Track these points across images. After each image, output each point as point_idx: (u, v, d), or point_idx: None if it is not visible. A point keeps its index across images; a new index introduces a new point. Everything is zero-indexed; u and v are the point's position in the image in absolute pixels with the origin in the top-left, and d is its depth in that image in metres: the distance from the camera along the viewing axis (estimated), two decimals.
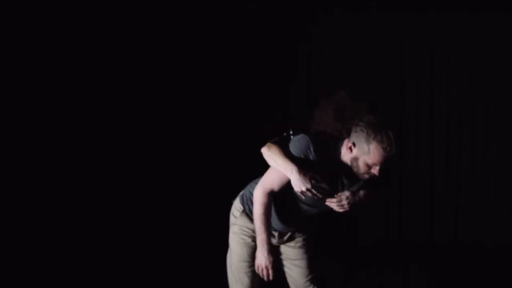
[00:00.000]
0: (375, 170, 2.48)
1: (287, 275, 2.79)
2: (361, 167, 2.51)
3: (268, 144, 2.59)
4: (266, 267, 2.55)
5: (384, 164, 2.45)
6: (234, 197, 2.72)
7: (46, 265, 3.55)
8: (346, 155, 2.52)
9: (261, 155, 2.68)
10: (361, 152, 2.48)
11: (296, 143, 2.56)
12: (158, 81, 4.01)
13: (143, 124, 3.98)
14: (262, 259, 2.55)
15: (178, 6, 3.99)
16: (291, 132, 2.67)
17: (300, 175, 2.47)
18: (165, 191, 3.99)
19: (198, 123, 4.09)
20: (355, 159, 2.51)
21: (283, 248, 2.73)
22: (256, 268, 2.58)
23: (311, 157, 2.53)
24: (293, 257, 2.75)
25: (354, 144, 2.47)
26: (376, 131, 2.43)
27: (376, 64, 4.28)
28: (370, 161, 2.46)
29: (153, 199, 3.96)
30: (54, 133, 3.73)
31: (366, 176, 2.52)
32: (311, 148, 2.52)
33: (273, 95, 4.20)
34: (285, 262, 2.79)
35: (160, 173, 4.00)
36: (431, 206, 4.34)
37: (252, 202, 2.62)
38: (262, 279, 2.62)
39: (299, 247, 2.73)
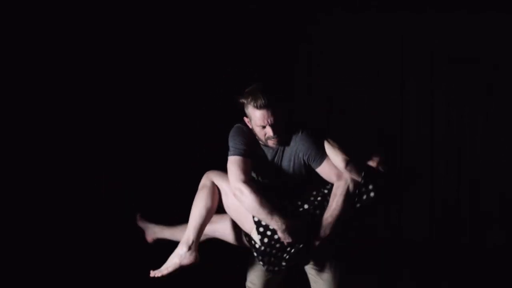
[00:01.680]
0: (268, 131, 2.58)
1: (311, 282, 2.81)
2: (259, 134, 2.63)
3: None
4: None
5: (269, 120, 2.55)
6: None
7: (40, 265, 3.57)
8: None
9: None
10: (250, 120, 2.62)
11: (232, 133, 2.72)
12: (156, 81, 4.02)
13: (142, 124, 3.99)
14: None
15: (177, 5, 3.99)
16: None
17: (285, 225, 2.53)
18: (166, 193, 4.00)
19: (196, 124, 4.10)
20: (253, 129, 2.64)
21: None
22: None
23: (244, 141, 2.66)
24: (317, 266, 2.77)
25: (247, 117, 2.64)
26: (244, 95, 2.62)
27: (376, 64, 4.28)
28: (257, 123, 2.58)
29: (153, 200, 3.97)
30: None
31: (270, 142, 2.64)
32: (239, 139, 2.68)
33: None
34: (309, 271, 2.80)
35: (159, 174, 4.01)
36: (431, 206, 4.34)
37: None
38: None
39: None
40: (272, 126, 2.57)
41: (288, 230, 2.50)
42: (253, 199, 2.54)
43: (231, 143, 2.68)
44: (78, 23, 3.77)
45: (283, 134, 2.64)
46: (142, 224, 3.25)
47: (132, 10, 3.91)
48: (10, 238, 3.53)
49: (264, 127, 2.59)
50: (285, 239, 2.52)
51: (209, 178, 2.79)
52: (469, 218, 4.32)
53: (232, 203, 2.68)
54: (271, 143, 2.64)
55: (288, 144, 2.67)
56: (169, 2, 3.98)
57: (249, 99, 2.58)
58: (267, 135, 2.61)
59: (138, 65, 3.97)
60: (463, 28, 4.21)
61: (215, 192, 2.73)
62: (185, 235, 2.70)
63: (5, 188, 3.54)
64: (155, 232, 3.15)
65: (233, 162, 2.62)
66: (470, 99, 4.27)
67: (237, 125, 2.75)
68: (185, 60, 4.08)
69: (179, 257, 2.65)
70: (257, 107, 2.55)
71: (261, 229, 2.58)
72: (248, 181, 2.58)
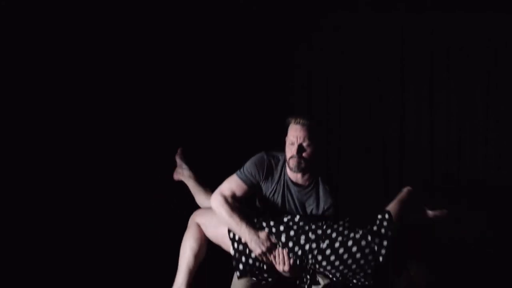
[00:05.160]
0: (293, 149, 2.73)
1: None
2: (287, 153, 2.78)
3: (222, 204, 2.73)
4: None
5: (300, 138, 2.71)
6: None
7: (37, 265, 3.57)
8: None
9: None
10: (287, 137, 2.78)
11: (253, 159, 2.83)
12: (157, 83, 4.02)
13: (142, 124, 4.00)
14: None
15: (178, 7, 4.00)
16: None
17: (255, 236, 2.64)
18: (166, 192, 4.00)
19: (197, 125, 4.10)
20: (286, 152, 2.79)
21: None
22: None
23: (266, 165, 2.79)
24: None
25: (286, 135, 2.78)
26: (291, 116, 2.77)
27: (376, 64, 4.28)
28: (289, 138, 2.76)
29: (153, 200, 3.97)
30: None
31: (291, 162, 2.75)
32: (266, 157, 2.81)
33: (272, 96, 4.21)
34: None
35: (159, 174, 4.01)
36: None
37: None
38: None
39: None
40: (299, 146, 2.70)
41: (255, 240, 2.62)
42: (223, 209, 2.70)
43: (245, 166, 2.83)
44: (78, 23, 3.77)
45: (307, 163, 2.73)
46: (179, 160, 3.35)
47: (132, 10, 3.92)
48: (11, 238, 3.53)
49: (292, 144, 2.72)
50: (255, 250, 2.64)
51: (192, 218, 2.91)
52: (469, 218, 4.32)
53: (211, 233, 2.81)
54: (291, 162, 2.74)
55: (315, 190, 2.80)
56: (170, 4, 3.98)
57: (293, 117, 2.75)
58: (291, 153, 2.72)
59: (139, 66, 3.96)
60: (463, 28, 4.21)
61: (198, 231, 2.85)
62: (176, 280, 2.81)
63: (5, 188, 3.55)
64: (183, 174, 3.27)
65: (230, 180, 2.82)
66: (470, 99, 4.27)
67: (263, 155, 2.85)
68: (186, 61, 4.08)
69: None
70: (294, 123, 2.73)
71: (235, 245, 2.73)
72: (227, 197, 2.75)
